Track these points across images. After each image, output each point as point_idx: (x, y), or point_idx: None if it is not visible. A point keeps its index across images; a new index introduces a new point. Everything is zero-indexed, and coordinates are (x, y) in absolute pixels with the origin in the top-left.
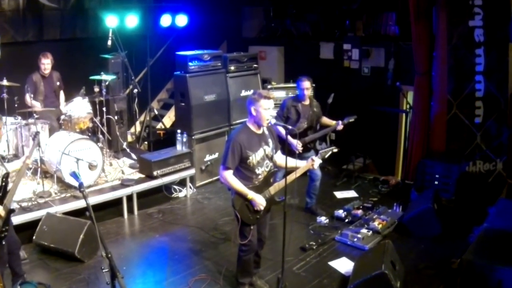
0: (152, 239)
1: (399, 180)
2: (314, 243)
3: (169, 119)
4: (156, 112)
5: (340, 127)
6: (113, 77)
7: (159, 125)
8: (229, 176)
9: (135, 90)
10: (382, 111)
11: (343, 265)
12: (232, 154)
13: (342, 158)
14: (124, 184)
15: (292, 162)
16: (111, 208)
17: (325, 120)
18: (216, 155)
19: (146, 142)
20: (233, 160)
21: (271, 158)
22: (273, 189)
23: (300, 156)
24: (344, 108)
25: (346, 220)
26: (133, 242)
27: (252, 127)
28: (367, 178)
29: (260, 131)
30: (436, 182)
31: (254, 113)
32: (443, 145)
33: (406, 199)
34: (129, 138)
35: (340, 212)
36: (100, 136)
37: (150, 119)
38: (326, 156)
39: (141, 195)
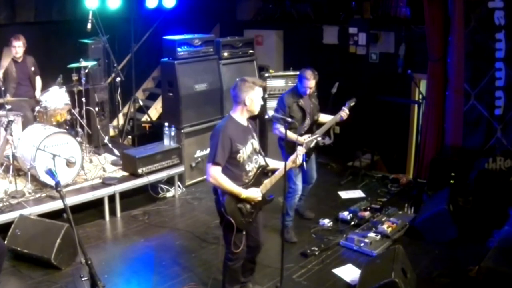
0: (137, 244)
1: (411, 179)
2: (316, 249)
3: (155, 110)
4: (141, 103)
5: (344, 114)
6: (94, 64)
7: (145, 118)
8: (219, 174)
9: (118, 79)
10: (391, 102)
11: (349, 272)
12: (222, 148)
13: (347, 154)
14: (105, 183)
15: (273, 161)
16: (91, 209)
17: (322, 117)
18: (208, 150)
19: (130, 137)
20: (222, 155)
21: (258, 153)
22: (263, 188)
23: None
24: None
25: (352, 223)
26: (116, 247)
27: (239, 119)
28: (375, 176)
29: (246, 124)
30: (451, 181)
31: (248, 102)
32: (460, 139)
33: (419, 200)
34: (111, 132)
35: (345, 214)
36: (79, 129)
37: (135, 111)
38: (311, 145)
39: (124, 195)
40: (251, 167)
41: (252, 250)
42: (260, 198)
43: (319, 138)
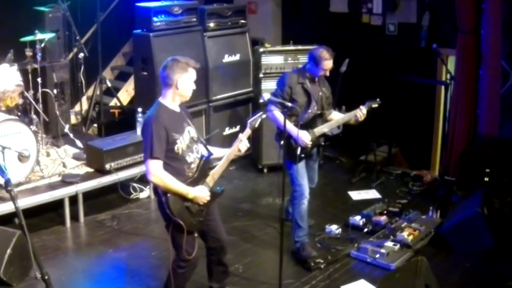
0: (104, 255)
1: (437, 176)
2: (322, 261)
3: (126, 93)
4: (109, 85)
5: (361, 114)
6: (52, 36)
7: (113, 102)
8: (161, 170)
9: (81, 55)
10: (413, 82)
11: None
12: (158, 140)
13: (359, 146)
14: (66, 181)
15: (218, 149)
16: (48, 213)
17: (334, 114)
18: None
19: (95, 125)
20: (160, 147)
21: (197, 142)
22: (211, 180)
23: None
24: (363, 78)
25: (365, 230)
26: (78, 259)
27: (170, 105)
28: (393, 173)
29: (178, 110)
30: (486, 179)
31: (180, 85)
32: (496, 128)
33: (446, 202)
34: (73, 119)
35: (357, 219)
36: (34, 116)
37: (101, 94)
38: (257, 125)
39: (89, 196)
40: (193, 158)
41: (216, 251)
42: (209, 198)
43: (325, 130)
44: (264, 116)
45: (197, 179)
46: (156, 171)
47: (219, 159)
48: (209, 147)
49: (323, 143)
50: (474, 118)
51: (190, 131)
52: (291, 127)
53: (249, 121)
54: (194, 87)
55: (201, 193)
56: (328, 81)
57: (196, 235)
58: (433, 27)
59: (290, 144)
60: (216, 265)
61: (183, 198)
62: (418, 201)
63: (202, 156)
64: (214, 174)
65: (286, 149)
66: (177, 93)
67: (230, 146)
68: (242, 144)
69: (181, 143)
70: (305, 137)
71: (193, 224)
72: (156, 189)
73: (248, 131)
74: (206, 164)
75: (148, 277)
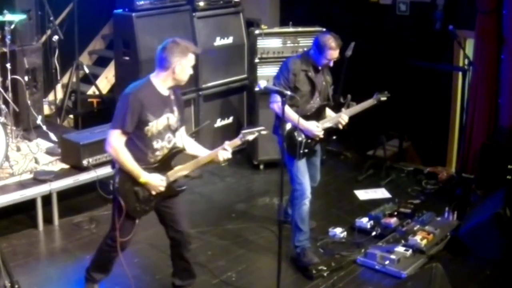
0: (81, 261)
1: (453, 173)
2: (325, 268)
3: (106, 80)
4: (87, 71)
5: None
6: (22, 17)
7: (91, 90)
8: (120, 144)
9: (56, 38)
10: (427, 68)
11: None
12: (131, 113)
13: (367, 140)
14: (38, 179)
15: (195, 147)
16: (19, 215)
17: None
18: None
19: (71, 116)
20: (131, 121)
21: (174, 132)
22: (172, 174)
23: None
24: (370, 64)
25: (373, 233)
26: (52, 266)
27: (159, 86)
28: (404, 169)
29: (167, 93)
30: (508, 176)
31: (177, 69)
32: None
33: (464, 202)
34: (47, 110)
35: (364, 221)
36: (3, 106)
37: (78, 81)
38: (251, 138)
39: (64, 195)
40: (161, 146)
41: (177, 243)
42: (163, 189)
43: (329, 124)
44: (264, 132)
45: (158, 169)
46: (117, 143)
47: (194, 157)
48: (192, 143)
49: (332, 137)
50: (495, 108)
51: (169, 118)
52: (296, 118)
53: (243, 131)
54: (191, 72)
55: (154, 181)
56: (332, 67)
57: (137, 222)
58: (449, 7)
59: (292, 137)
60: (178, 260)
61: (135, 181)
62: (433, 201)
63: (173, 148)
64: (178, 170)
65: (287, 144)
66: (173, 77)
67: (223, 142)
68: (225, 153)
69: (153, 127)
70: (314, 128)
71: (137, 210)
72: (114, 162)
73: (237, 142)
74: (173, 157)
75: (129, 287)
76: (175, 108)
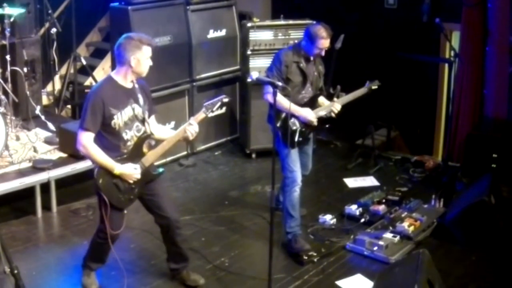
0: (78, 247)
1: (440, 162)
2: (315, 254)
3: (103, 71)
4: (84, 62)
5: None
6: (22, 11)
7: (89, 81)
8: (90, 142)
9: (54, 30)
10: (414, 60)
11: (358, 285)
12: (92, 112)
13: (356, 129)
14: (37, 167)
15: (163, 131)
16: (18, 202)
17: (321, 99)
18: (173, 124)
19: (69, 106)
20: (93, 120)
21: (142, 121)
22: (146, 160)
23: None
24: (359, 56)
25: (362, 220)
26: (51, 252)
27: (120, 81)
28: (392, 158)
29: (130, 86)
30: (493, 165)
31: (133, 63)
32: (505, 109)
33: (450, 189)
34: (45, 100)
35: (353, 209)
36: (2, 97)
37: (75, 72)
38: (215, 108)
39: (62, 183)
40: (130, 136)
41: (166, 229)
42: (138, 176)
43: (322, 113)
44: (226, 100)
45: (132, 157)
46: (85, 141)
47: (163, 141)
48: (160, 128)
49: (326, 126)
50: (480, 98)
51: (135, 109)
52: (292, 106)
53: (205, 104)
54: (150, 63)
55: (127, 171)
56: (322, 59)
57: (125, 212)
58: (436, 0)
59: (286, 127)
60: (170, 244)
61: (112, 174)
62: (420, 189)
63: (142, 135)
64: (151, 155)
65: (282, 132)
66: (131, 70)
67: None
68: (191, 127)
69: (118, 119)
70: (309, 114)
71: (121, 201)
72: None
73: (201, 115)
74: (142, 144)
75: (127, 271)
76: (140, 98)
